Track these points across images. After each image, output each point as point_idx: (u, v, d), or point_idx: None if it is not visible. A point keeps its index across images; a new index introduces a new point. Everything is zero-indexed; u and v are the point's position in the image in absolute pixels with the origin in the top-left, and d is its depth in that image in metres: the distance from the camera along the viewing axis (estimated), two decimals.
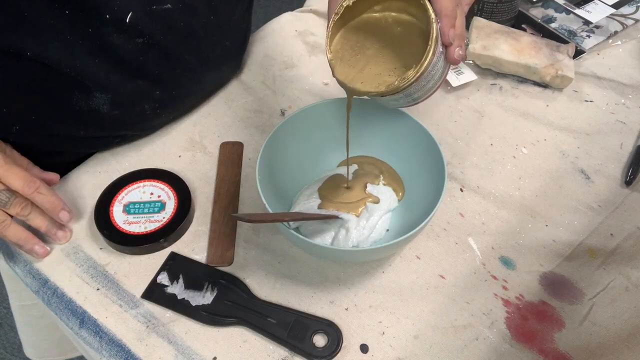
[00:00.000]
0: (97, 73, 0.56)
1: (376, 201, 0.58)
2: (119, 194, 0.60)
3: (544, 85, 0.74)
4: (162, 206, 0.59)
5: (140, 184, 0.61)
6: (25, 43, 0.52)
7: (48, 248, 0.57)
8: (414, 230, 0.49)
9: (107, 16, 0.53)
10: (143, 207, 0.59)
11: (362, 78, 0.51)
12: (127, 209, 0.59)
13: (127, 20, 0.54)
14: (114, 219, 0.58)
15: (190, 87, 0.66)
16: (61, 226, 0.57)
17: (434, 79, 0.51)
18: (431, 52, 0.47)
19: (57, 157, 0.64)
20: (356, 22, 0.53)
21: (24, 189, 0.53)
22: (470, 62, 0.75)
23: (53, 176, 0.60)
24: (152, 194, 0.60)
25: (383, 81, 0.50)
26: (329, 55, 0.52)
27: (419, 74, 0.48)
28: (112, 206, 0.59)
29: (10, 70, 0.53)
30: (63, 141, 0.62)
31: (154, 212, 0.59)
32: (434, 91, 0.53)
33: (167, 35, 0.58)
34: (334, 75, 0.52)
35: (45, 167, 0.61)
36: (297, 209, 0.58)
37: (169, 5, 0.56)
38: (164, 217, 0.58)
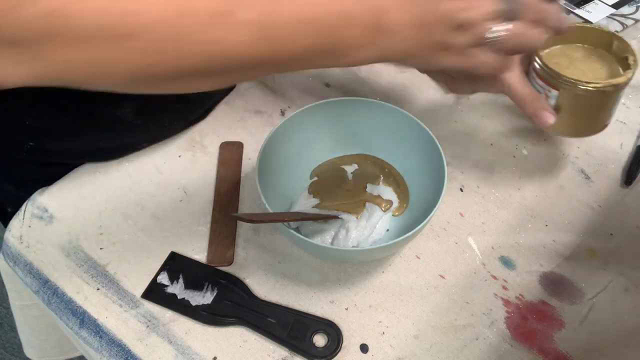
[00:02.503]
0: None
1: (376, 201, 0.59)
2: None
3: None
4: None
5: None
6: None
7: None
8: (414, 230, 0.49)
9: None
10: None
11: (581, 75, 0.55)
12: None
13: None
14: None
15: (206, 99, 0.67)
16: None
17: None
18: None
19: (60, 167, 0.65)
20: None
21: None
22: None
23: None
24: None
25: (599, 76, 0.57)
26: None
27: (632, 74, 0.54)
28: None
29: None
30: (75, 156, 0.63)
31: None
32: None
33: None
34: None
35: (45, 175, 0.62)
36: (296, 208, 0.59)
37: None
38: None
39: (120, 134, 0.63)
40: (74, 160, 0.64)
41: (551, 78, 0.54)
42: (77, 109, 0.57)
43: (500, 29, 0.41)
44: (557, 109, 0.56)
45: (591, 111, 0.57)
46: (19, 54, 0.34)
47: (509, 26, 0.42)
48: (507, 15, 0.41)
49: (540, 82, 0.56)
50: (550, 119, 0.55)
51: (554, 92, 0.55)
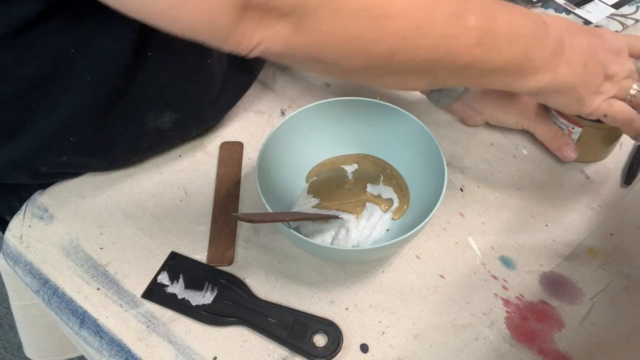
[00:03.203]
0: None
1: (376, 201, 0.59)
2: None
3: None
4: None
5: None
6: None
7: None
8: (414, 230, 0.49)
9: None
10: None
11: None
12: None
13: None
14: None
15: (225, 109, 0.68)
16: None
17: None
18: None
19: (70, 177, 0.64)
20: None
21: None
22: None
23: None
24: None
25: None
26: None
27: None
28: None
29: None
30: (98, 167, 0.63)
31: None
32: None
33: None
34: None
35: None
36: (296, 208, 0.59)
37: None
38: None
39: (156, 141, 0.62)
40: (92, 171, 0.64)
41: (575, 117, 0.61)
42: (126, 116, 0.57)
43: (637, 89, 0.49)
44: (577, 142, 0.63)
45: (609, 140, 0.64)
46: (286, 22, 0.37)
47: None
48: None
49: (563, 120, 0.62)
50: (573, 153, 0.61)
51: (578, 129, 0.62)
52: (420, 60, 0.41)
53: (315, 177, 0.62)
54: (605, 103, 0.49)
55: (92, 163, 0.61)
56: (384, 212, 0.58)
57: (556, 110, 0.63)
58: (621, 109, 0.50)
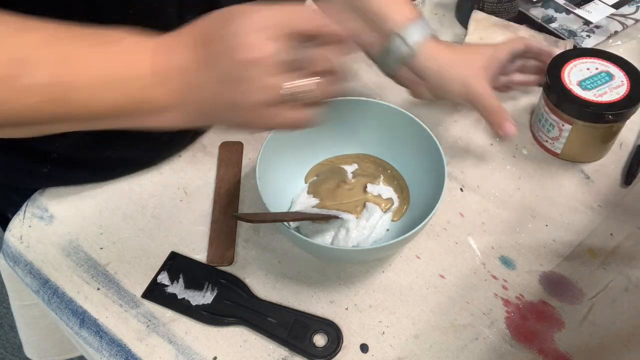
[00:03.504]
0: None
1: (376, 201, 0.59)
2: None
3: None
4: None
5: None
6: None
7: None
8: (414, 230, 0.49)
9: None
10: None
11: None
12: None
13: None
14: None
15: None
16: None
17: None
18: None
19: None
20: None
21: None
22: None
23: None
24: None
25: None
26: None
27: None
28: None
29: None
30: (99, 165, 0.62)
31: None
32: None
33: None
34: None
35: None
36: (296, 208, 0.59)
37: None
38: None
39: (148, 148, 0.62)
40: (95, 172, 0.63)
41: (566, 115, 0.61)
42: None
43: (291, 85, 0.37)
44: (569, 140, 0.63)
45: (603, 139, 0.64)
46: None
47: (301, 82, 0.38)
48: (295, 67, 0.38)
49: (554, 117, 0.63)
50: (513, 129, 0.58)
51: (567, 126, 0.62)
52: (8, 116, 0.37)
53: (315, 177, 0.62)
54: (256, 117, 0.39)
55: (91, 161, 0.61)
56: (384, 212, 0.58)
57: (547, 107, 0.63)
58: (285, 117, 0.39)
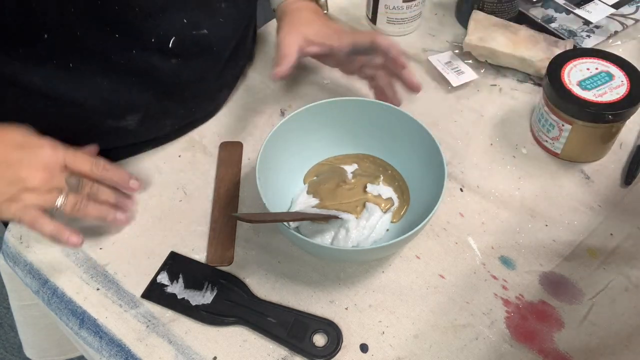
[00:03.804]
0: (133, 94, 0.59)
1: (376, 201, 0.59)
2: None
3: None
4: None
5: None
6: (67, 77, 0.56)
7: (128, 213, 0.58)
8: (414, 230, 0.49)
9: (152, 40, 0.56)
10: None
11: None
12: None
13: (170, 45, 0.58)
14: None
15: (207, 105, 0.70)
16: (127, 197, 0.59)
17: None
18: None
19: None
20: None
21: (92, 170, 0.55)
22: (457, 51, 0.76)
23: (93, 149, 0.61)
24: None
25: None
26: None
27: None
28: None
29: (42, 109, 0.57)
30: None
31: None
32: None
33: (200, 58, 0.62)
34: None
35: None
36: (296, 208, 0.59)
37: (205, 30, 0.60)
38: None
39: (122, 137, 0.64)
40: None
41: (566, 115, 0.61)
42: (81, 121, 0.60)
43: (61, 202, 0.52)
44: (569, 140, 0.63)
45: (603, 139, 0.64)
46: None
47: (65, 200, 0.52)
48: (71, 188, 0.53)
49: (554, 117, 0.63)
50: (279, 73, 0.61)
51: (567, 126, 0.62)
52: None
53: (315, 177, 0.62)
54: (20, 210, 0.51)
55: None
56: (384, 212, 0.58)
57: (547, 107, 0.63)
58: (31, 218, 0.52)
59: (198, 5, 0.59)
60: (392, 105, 0.60)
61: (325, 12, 0.72)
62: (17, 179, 0.51)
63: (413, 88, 0.63)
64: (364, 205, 0.58)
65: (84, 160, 0.55)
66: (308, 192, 0.60)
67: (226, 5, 0.63)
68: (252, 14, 0.73)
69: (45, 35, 0.52)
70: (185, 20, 0.58)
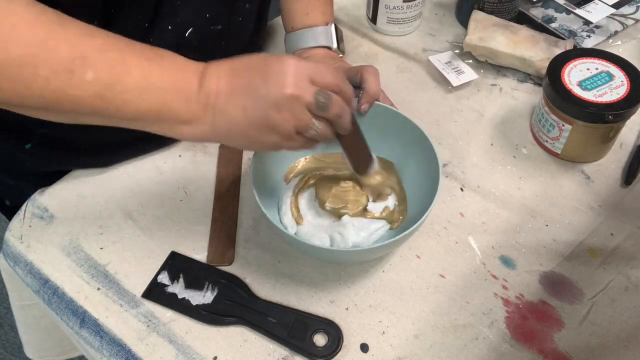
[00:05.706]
0: None
1: (375, 199, 0.59)
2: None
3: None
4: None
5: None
6: None
7: None
8: (411, 229, 0.49)
9: (169, 27, 0.57)
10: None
11: None
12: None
13: (186, 35, 0.58)
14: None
15: None
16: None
17: None
18: None
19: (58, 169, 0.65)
20: None
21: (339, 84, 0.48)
22: (457, 51, 0.76)
23: None
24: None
25: None
26: None
27: None
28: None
29: None
30: (80, 146, 0.63)
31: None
32: None
33: (212, 54, 0.61)
34: None
35: (44, 166, 0.62)
36: (282, 204, 0.58)
37: (220, 26, 0.61)
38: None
39: (126, 129, 0.63)
40: (75, 158, 0.64)
41: (566, 115, 0.61)
42: None
43: (317, 124, 0.46)
44: (569, 140, 0.63)
45: (603, 139, 0.64)
46: None
47: (322, 125, 0.47)
48: (322, 107, 0.46)
49: (555, 117, 0.63)
50: None
51: (568, 126, 0.62)
52: (41, 105, 0.42)
53: (313, 175, 0.62)
54: (283, 139, 0.46)
55: (73, 142, 0.62)
56: (383, 212, 0.58)
57: (547, 107, 0.63)
58: (299, 143, 0.48)
59: (226, 3, 0.60)
60: (390, 106, 0.59)
61: (341, 55, 0.71)
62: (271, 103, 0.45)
63: (358, 109, 0.59)
64: (363, 205, 0.58)
65: (329, 72, 0.48)
66: (303, 189, 0.60)
67: (249, 6, 0.63)
68: (265, 16, 0.73)
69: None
70: (207, 15, 0.58)
